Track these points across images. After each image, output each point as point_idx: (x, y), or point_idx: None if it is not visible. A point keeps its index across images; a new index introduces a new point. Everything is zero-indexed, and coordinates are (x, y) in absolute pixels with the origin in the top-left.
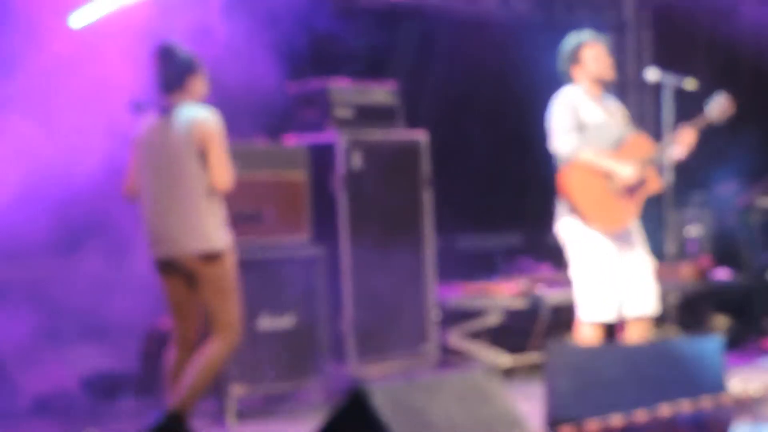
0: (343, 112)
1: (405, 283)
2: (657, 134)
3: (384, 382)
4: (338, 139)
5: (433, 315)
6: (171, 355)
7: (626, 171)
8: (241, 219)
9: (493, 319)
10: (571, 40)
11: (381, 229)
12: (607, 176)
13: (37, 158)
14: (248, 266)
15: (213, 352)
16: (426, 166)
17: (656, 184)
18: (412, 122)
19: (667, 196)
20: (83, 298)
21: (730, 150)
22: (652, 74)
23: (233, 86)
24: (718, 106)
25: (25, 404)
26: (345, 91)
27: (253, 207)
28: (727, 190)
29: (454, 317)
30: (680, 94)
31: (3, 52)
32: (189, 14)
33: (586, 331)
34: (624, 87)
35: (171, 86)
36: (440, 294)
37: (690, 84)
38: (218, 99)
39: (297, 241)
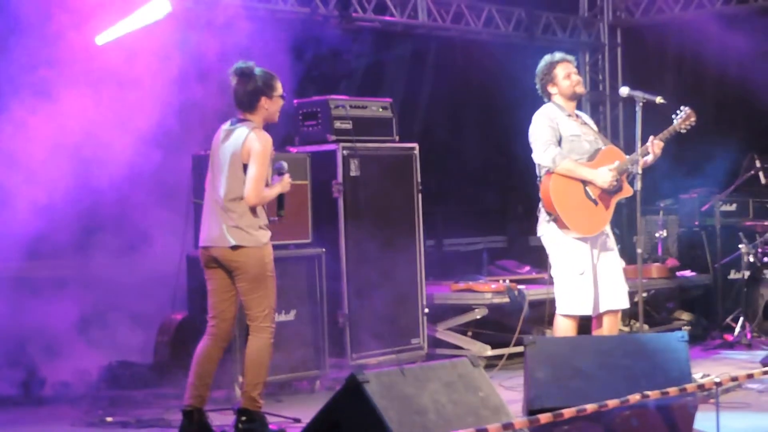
0: (342, 125)
1: (398, 281)
2: (629, 145)
3: (378, 371)
4: (337, 149)
5: (424, 310)
6: (201, 346)
7: (604, 179)
8: None
9: (478, 315)
10: (544, 60)
11: (376, 232)
12: (585, 184)
13: (64, 164)
14: None
15: (252, 346)
16: (417, 174)
17: (627, 190)
18: (405, 133)
19: (639, 203)
20: (105, 292)
21: (695, 162)
22: (625, 91)
23: None
24: (683, 118)
25: (48, 392)
26: (344, 106)
27: None
28: (693, 198)
29: (443, 312)
30: (651, 108)
31: (34, 66)
32: (204, 36)
33: (563, 324)
34: (600, 102)
35: (243, 105)
36: (431, 291)
37: (659, 99)
38: (230, 113)
39: (300, 242)
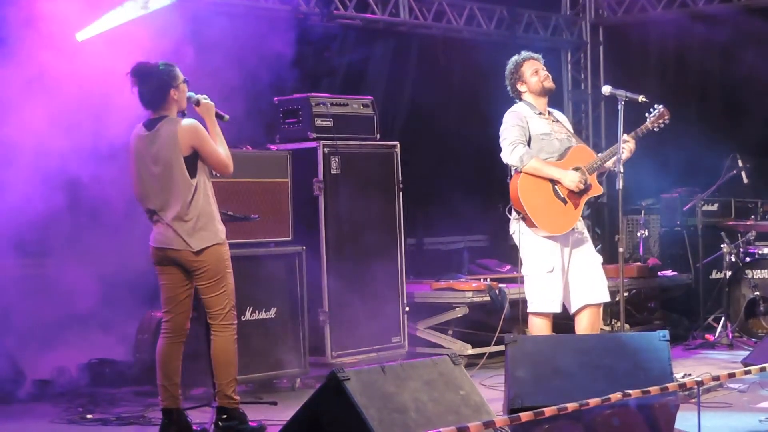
0: (323, 123)
1: (379, 279)
2: (611, 144)
3: (358, 369)
4: (318, 147)
5: (405, 309)
6: (160, 347)
7: (571, 178)
8: (229, 220)
9: (458, 313)
10: (510, 61)
11: (357, 230)
12: (554, 183)
13: (46, 158)
14: (234, 263)
15: (217, 345)
16: (398, 172)
17: (597, 189)
18: (386, 132)
19: (621, 203)
20: (85, 290)
21: (677, 161)
22: (607, 89)
23: (225, 99)
24: (656, 116)
25: (28, 390)
26: (325, 104)
27: (240, 209)
28: (674, 197)
29: (424, 311)
30: (633, 107)
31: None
32: (183, 32)
33: (536, 323)
34: (582, 101)
35: (155, 103)
36: (411, 290)
37: (642, 98)
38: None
39: (280, 240)
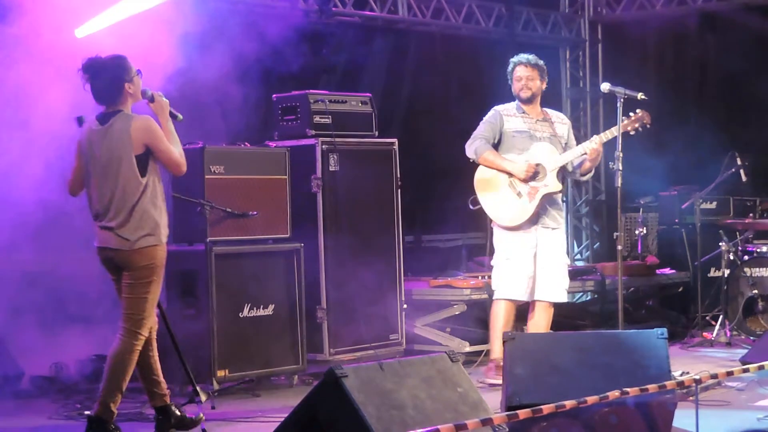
0: (321, 120)
1: (377, 276)
2: (609, 142)
3: (356, 366)
4: (317, 144)
5: (402, 306)
6: None
7: (519, 168)
8: (227, 217)
9: (456, 311)
10: (510, 62)
11: (355, 227)
12: (511, 176)
13: (46, 159)
14: (233, 260)
15: (118, 349)
16: (396, 169)
17: (555, 186)
18: (385, 128)
19: (619, 201)
20: (82, 286)
21: (676, 159)
22: (606, 87)
23: (225, 97)
24: (633, 119)
25: (26, 386)
26: (323, 101)
27: (239, 206)
28: (673, 195)
29: (422, 308)
30: (632, 105)
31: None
32: (181, 30)
33: (495, 307)
34: (580, 99)
35: (107, 98)
36: (409, 287)
37: (640, 96)
38: (211, 108)
39: (278, 237)
